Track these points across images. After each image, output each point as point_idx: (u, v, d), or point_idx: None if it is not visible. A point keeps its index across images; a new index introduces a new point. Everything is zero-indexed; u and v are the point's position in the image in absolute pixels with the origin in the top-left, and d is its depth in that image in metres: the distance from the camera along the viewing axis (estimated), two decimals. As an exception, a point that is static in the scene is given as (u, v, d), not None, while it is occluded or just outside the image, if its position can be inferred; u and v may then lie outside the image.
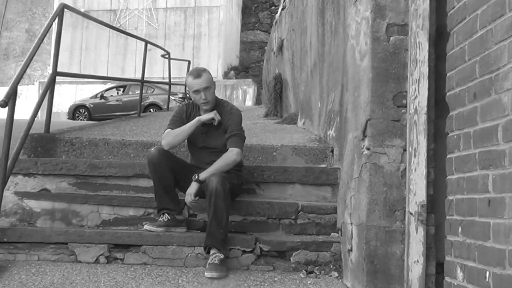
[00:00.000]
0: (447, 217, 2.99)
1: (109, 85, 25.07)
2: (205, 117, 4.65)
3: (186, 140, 4.79)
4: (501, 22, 2.47)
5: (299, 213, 4.73)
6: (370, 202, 3.70)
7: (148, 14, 29.07)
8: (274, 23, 13.18)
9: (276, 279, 4.24)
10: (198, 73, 4.65)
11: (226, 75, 28.47)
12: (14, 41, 35.01)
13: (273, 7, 29.34)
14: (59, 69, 6.50)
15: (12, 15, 35.47)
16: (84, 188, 5.12)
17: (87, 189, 5.10)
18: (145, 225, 4.65)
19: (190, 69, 6.53)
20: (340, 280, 4.24)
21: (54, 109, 6.92)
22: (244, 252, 4.42)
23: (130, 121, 9.10)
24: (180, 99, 17.35)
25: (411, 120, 3.59)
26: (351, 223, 4.02)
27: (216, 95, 4.81)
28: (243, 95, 26.59)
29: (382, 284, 3.65)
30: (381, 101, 3.72)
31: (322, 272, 4.35)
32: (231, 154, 4.50)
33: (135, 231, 4.61)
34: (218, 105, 4.76)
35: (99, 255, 4.46)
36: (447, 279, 2.96)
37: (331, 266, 4.37)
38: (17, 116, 4.75)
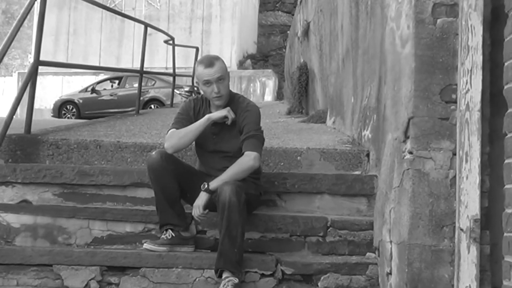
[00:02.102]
0: (505, 234, 2.99)
1: (102, 76, 25.21)
2: (216, 114, 4.66)
3: (194, 143, 4.81)
4: None
5: (329, 229, 4.75)
6: (413, 216, 3.71)
7: (148, -8, 29.22)
8: (298, 3, 13.20)
9: (300, 308, 4.27)
10: (211, 61, 4.64)
11: (241, 65, 28.53)
12: (-11, 25, 35.35)
13: (298, -17, 29.37)
14: (42, 58, 6.54)
15: (-14, -6, 35.80)
16: (72, 199, 5.16)
17: (76, 201, 5.14)
18: (145, 244, 4.66)
19: (199, 57, 6.57)
20: (377, 309, 4.26)
21: (36, 105, 6.98)
22: (262, 275, 4.45)
23: (126, 119, 9.15)
24: (187, 93, 17.43)
25: (462, 118, 3.60)
26: (391, 241, 4.03)
27: (230, 88, 4.83)
28: (262, 89, 26.65)
29: (427, 315, 3.66)
30: (426, 96, 3.73)
31: (356, 300, 4.38)
32: (248, 159, 4.51)
33: (133, 251, 4.65)
34: (232, 100, 4.76)
35: (90, 280, 4.49)
36: (504, 307, 2.97)
37: (367, 293, 4.39)
38: (-8, 113, 4.81)
